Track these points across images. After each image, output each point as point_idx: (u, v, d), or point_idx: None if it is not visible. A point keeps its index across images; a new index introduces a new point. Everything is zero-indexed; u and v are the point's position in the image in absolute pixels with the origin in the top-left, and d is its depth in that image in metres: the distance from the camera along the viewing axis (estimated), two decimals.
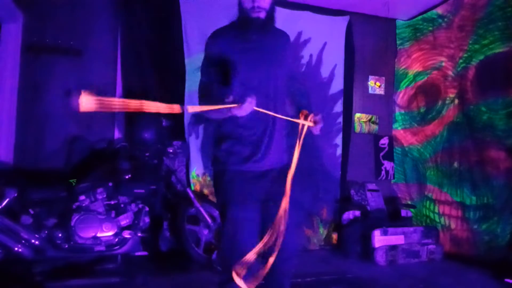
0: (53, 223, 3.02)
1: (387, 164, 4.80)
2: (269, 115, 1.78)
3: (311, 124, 1.80)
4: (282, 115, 1.83)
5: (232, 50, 1.82)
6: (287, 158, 1.92)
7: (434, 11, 4.41)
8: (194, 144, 3.91)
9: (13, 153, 3.57)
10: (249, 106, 1.60)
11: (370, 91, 4.82)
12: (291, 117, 1.87)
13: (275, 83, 1.87)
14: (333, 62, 4.49)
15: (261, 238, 1.76)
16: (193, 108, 1.70)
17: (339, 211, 4.34)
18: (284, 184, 1.78)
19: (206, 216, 3.46)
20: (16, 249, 2.84)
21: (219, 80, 1.83)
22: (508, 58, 3.58)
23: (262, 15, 1.80)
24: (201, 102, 1.81)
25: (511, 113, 3.54)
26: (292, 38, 4.56)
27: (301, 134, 1.79)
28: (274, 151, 1.84)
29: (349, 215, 4.19)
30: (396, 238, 3.82)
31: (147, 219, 3.28)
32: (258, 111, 1.69)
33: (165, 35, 3.93)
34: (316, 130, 1.83)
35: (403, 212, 4.34)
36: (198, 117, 3.92)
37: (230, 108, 1.60)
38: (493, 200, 3.66)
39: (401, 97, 4.85)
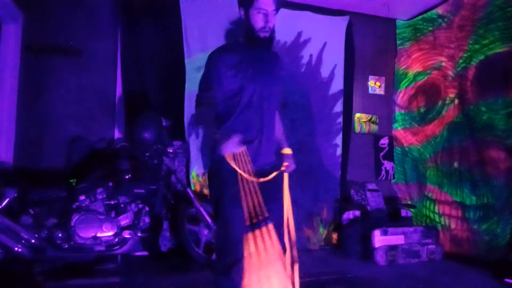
0: (53, 223, 3.02)
1: (387, 164, 4.80)
2: (260, 121, 1.96)
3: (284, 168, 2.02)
4: (271, 126, 2.01)
5: (232, 64, 1.92)
6: (275, 160, 2.06)
7: (434, 11, 4.41)
8: (194, 144, 3.90)
9: (13, 153, 3.57)
10: (231, 145, 1.78)
11: (370, 91, 4.82)
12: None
13: (268, 98, 1.99)
14: (333, 62, 4.49)
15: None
16: None
17: (339, 211, 4.34)
18: (275, 185, 1.96)
19: (206, 216, 3.46)
20: (16, 249, 2.84)
21: (214, 91, 1.95)
22: (508, 58, 3.58)
23: (268, 34, 1.93)
24: (197, 109, 2.00)
25: (511, 113, 3.54)
26: (292, 38, 4.61)
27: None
28: (264, 153, 1.97)
29: (349, 215, 4.19)
30: (396, 238, 3.82)
31: (147, 219, 3.28)
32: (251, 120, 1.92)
33: (165, 35, 3.93)
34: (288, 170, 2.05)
35: (403, 212, 4.34)
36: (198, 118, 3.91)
37: (218, 140, 1.80)
38: (493, 200, 3.66)
39: (401, 97, 4.85)
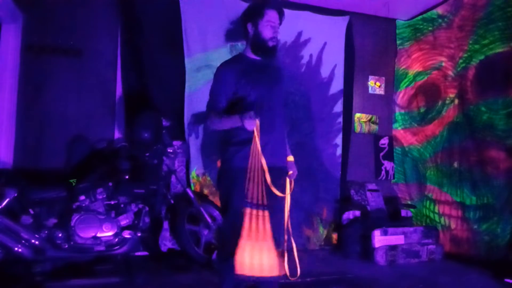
0: (53, 223, 3.02)
1: (387, 164, 4.80)
2: (270, 122, 2.14)
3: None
4: (280, 126, 2.23)
5: (242, 74, 2.15)
6: (283, 160, 2.25)
7: (434, 11, 4.41)
8: (194, 144, 3.90)
9: (13, 153, 3.57)
10: (252, 122, 1.95)
11: (370, 91, 4.82)
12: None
13: (276, 100, 2.23)
14: (333, 62, 4.49)
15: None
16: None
17: (339, 211, 4.34)
18: (279, 182, 2.13)
19: (206, 216, 3.46)
20: (16, 249, 2.84)
21: (228, 100, 2.17)
22: (508, 58, 3.58)
23: (276, 43, 2.22)
24: (213, 117, 2.17)
25: (511, 113, 3.54)
26: (292, 38, 4.61)
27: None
28: (272, 153, 2.12)
29: (349, 215, 4.19)
30: (396, 238, 3.82)
31: (147, 219, 3.28)
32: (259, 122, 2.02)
33: (165, 35, 3.92)
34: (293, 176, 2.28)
35: (403, 212, 4.34)
36: (198, 117, 3.92)
37: (242, 120, 1.96)
38: (493, 200, 3.67)
39: (401, 97, 4.85)
